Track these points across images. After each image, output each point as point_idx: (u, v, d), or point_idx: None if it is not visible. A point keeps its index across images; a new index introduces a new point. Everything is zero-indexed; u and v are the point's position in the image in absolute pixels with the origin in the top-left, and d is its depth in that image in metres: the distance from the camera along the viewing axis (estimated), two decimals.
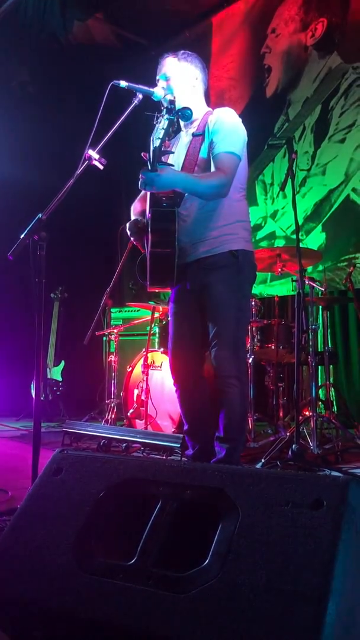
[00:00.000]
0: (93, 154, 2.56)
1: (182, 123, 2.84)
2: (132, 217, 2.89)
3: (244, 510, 1.11)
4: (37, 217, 2.40)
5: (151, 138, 2.39)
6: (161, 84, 2.74)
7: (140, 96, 2.68)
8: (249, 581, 1.00)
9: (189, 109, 2.35)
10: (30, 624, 1.12)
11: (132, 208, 2.95)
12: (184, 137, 2.82)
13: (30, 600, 1.11)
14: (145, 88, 2.70)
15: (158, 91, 2.75)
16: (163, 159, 2.48)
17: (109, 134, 2.63)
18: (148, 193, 2.88)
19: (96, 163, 2.56)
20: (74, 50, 6.59)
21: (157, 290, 2.91)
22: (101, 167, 2.57)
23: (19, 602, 1.11)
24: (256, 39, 6.10)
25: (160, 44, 6.35)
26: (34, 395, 6.72)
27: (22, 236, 2.37)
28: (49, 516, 1.25)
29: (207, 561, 1.06)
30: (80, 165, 2.54)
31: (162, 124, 2.36)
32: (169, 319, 2.90)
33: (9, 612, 1.15)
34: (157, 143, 2.36)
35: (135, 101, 2.68)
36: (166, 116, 2.36)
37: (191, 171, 2.66)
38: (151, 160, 2.38)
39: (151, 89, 2.73)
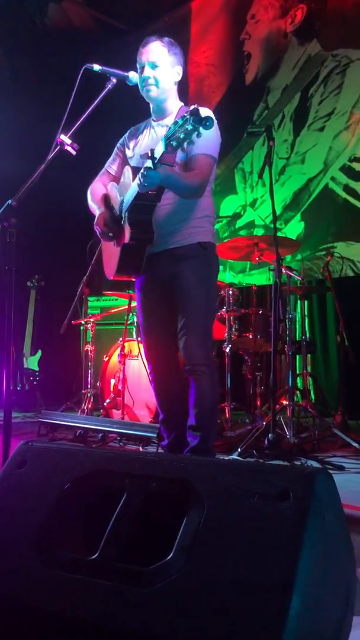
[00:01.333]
0: (65, 139, 2.50)
1: (152, 112, 2.84)
2: (91, 203, 2.88)
3: (210, 502, 1.08)
4: (6, 203, 2.35)
5: (165, 136, 2.25)
6: (148, 71, 2.68)
7: (114, 80, 2.62)
8: (214, 574, 0.98)
9: (211, 118, 2.22)
10: None
11: (91, 192, 2.91)
12: (159, 130, 2.79)
13: None
14: (120, 72, 2.64)
15: (133, 75, 2.70)
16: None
17: (81, 119, 2.57)
18: (111, 182, 2.86)
19: (68, 148, 2.51)
20: (51, 34, 6.47)
21: (121, 279, 2.92)
22: (74, 152, 2.52)
23: None
24: (235, 25, 6.04)
25: (138, 29, 6.25)
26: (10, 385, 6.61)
27: None
28: (12, 510, 1.22)
29: (171, 554, 1.04)
30: (51, 150, 2.49)
31: (184, 128, 2.16)
32: (137, 308, 2.91)
33: None
34: (173, 144, 2.23)
35: (109, 85, 2.62)
36: (192, 124, 2.15)
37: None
38: (157, 160, 2.32)
39: (125, 73, 2.68)
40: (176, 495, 1.13)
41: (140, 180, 2.40)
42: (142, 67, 2.70)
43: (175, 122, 2.16)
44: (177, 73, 2.76)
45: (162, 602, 0.97)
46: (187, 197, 2.65)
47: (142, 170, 2.39)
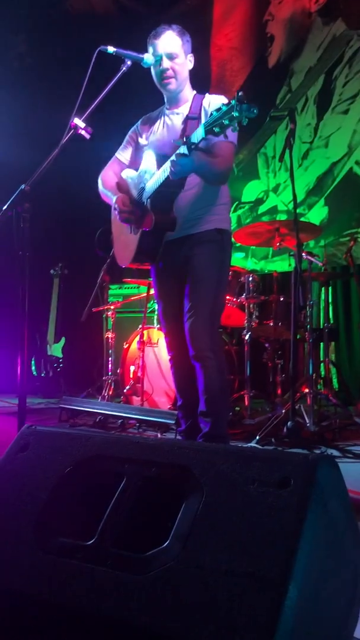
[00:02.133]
0: (79, 122, 2.48)
1: (166, 101, 2.82)
2: (103, 190, 2.86)
3: (209, 489, 1.06)
4: (20, 188, 2.35)
5: (204, 122, 2.19)
6: (166, 63, 2.65)
7: (129, 62, 2.59)
8: (209, 563, 0.96)
9: (257, 107, 2.14)
10: None
11: (102, 179, 2.89)
12: (174, 118, 2.76)
13: None
14: (134, 54, 2.60)
15: (148, 57, 2.66)
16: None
17: (95, 102, 2.55)
18: (129, 169, 2.83)
19: (82, 132, 2.49)
20: (71, 19, 6.44)
21: (136, 267, 2.91)
22: (87, 136, 2.49)
23: None
24: (258, 6, 5.91)
25: (160, 12, 6.17)
26: (34, 372, 6.67)
27: (4, 208, 2.32)
28: (12, 493, 1.21)
29: (167, 542, 1.01)
30: (65, 134, 2.47)
31: (229, 114, 2.07)
32: (155, 296, 2.90)
33: None
34: (216, 130, 2.14)
35: (124, 68, 2.59)
36: (238, 110, 2.05)
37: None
38: (195, 145, 2.28)
39: (140, 55, 2.64)
40: (175, 481, 1.11)
41: (172, 167, 2.35)
42: (159, 59, 2.66)
43: (219, 109, 2.10)
44: (190, 61, 2.74)
45: (156, 591, 0.95)
46: (214, 184, 2.64)
47: (173, 158, 2.34)
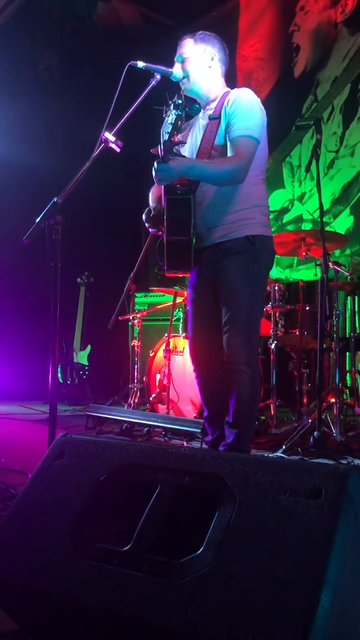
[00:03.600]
0: (109, 136, 2.53)
1: (202, 104, 2.81)
2: (151, 202, 2.85)
3: (241, 498, 1.08)
4: (52, 201, 2.40)
5: (161, 131, 2.34)
6: (177, 66, 2.69)
7: (158, 77, 2.63)
8: (242, 570, 0.98)
9: (197, 104, 2.28)
10: (27, 608, 1.12)
11: (151, 193, 2.91)
12: (201, 120, 2.77)
13: (26, 583, 1.11)
14: (163, 68, 2.65)
15: (176, 71, 2.70)
16: (175, 150, 2.44)
17: (125, 116, 2.60)
18: None
19: (112, 146, 2.54)
20: (100, 32, 6.55)
21: (175, 275, 2.88)
22: (117, 149, 2.55)
23: (15, 585, 1.12)
24: (284, 17, 5.95)
25: (186, 25, 6.24)
26: (60, 379, 6.74)
27: (37, 220, 2.38)
28: (49, 500, 1.25)
29: (201, 549, 1.04)
30: (96, 148, 2.53)
31: (170, 118, 2.30)
32: (188, 304, 2.89)
33: (7, 595, 1.16)
34: (165, 137, 2.31)
35: (153, 82, 2.64)
36: (174, 112, 2.29)
37: (207, 156, 2.61)
38: (162, 152, 2.34)
39: (169, 70, 2.68)
40: (208, 490, 1.13)
41: (153, 173, 2.40)
42: (174, 63, 2.71)
43: (166, 112, 2.23)
44: (209, 58, 2.70)
45: (189, 596, 0.98)
46: (226, 184, 2.56)
47: (155, 165, 2.39)
